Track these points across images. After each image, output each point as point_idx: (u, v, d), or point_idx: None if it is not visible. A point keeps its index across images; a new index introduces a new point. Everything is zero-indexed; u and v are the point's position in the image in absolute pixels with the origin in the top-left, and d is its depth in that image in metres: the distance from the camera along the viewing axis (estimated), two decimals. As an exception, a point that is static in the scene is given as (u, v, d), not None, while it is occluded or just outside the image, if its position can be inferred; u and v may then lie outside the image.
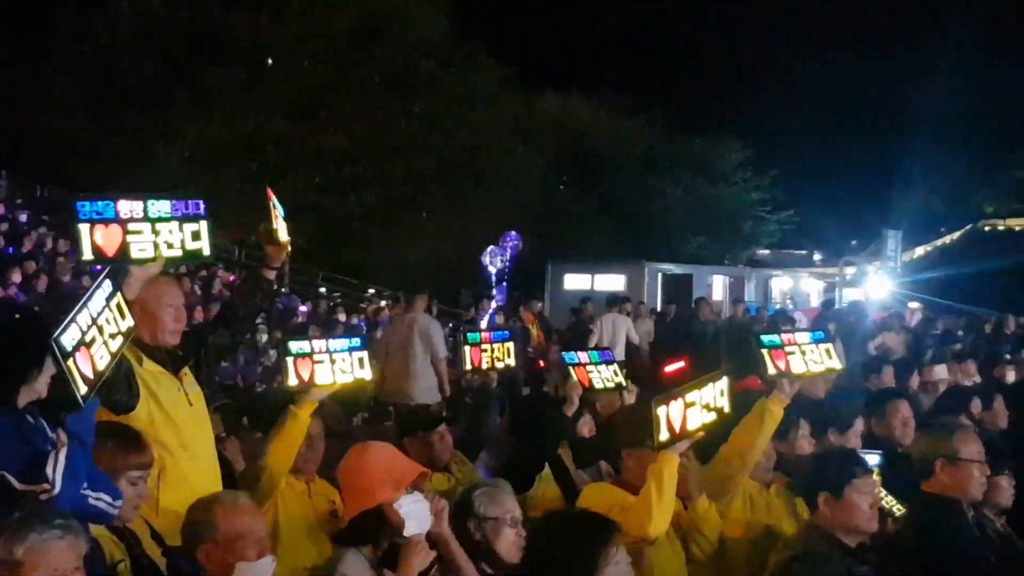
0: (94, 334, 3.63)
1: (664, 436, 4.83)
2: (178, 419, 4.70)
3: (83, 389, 3.49)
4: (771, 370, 5.37)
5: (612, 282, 27.76)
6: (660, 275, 29.01)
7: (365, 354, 5.22)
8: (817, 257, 50.20)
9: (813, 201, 46.77)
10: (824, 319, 19.13)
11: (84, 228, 4.20)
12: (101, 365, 3.62)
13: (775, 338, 5.53)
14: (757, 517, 5.39)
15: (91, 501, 3.71)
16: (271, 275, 5.51)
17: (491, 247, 25.67)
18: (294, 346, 5.03)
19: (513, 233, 27.04)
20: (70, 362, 3.45)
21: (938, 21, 53.15)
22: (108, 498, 3.80)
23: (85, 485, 3.66)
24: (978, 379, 11.06)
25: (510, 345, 6.77)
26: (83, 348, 3.54)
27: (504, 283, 25.61)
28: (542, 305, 20.90)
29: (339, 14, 32.85)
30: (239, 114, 30.96)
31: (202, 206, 4.51)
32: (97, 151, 30.43)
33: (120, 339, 3.78)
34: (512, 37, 38.91)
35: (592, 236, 39.50)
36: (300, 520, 5.16)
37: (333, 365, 5.06)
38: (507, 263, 25.86)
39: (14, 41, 31.00)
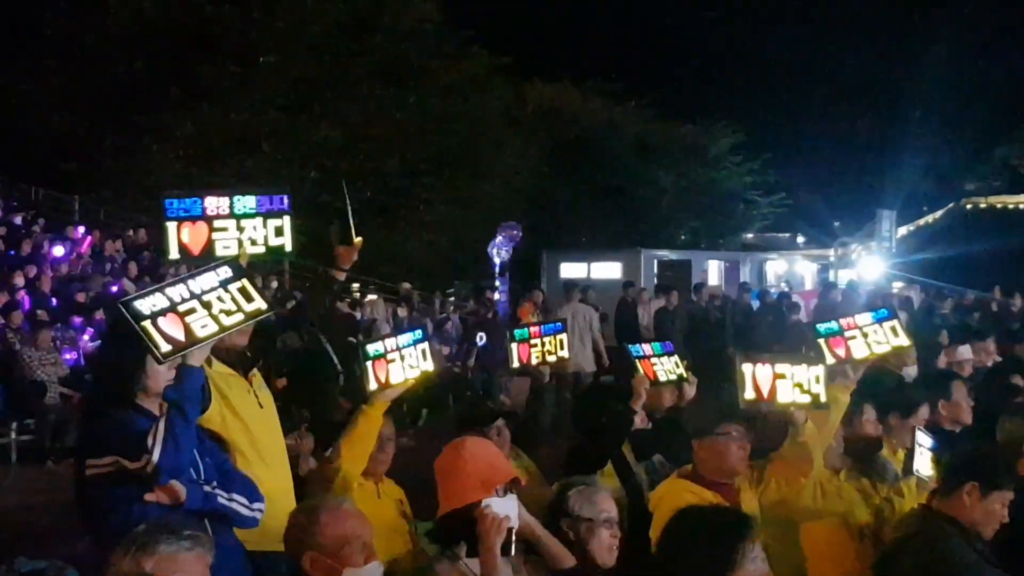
0: (193, 306, 3.76)
1: (749, 395, 4.96)
2: (248, 421, 4.68)
3: (165, 348, 3.62)
4: (830, 359, 5.33)
5: (608, 270, 27.85)
6: (656, 261, 29.06)
7: (427, 345, 5.20)
8: (800, 240, 50.26)
9: (805, 183, 46.85)
10: (828, 300, 19.22)
11: (171, 226, 4.31)
12: (201, 333, 3.73)
13: (832, 326, 5.49)
14: (829, 505, 5.36)
15: (222, 501, 3.71)
16: (341, 276, 5.37)
17: (498, 238, 25.51)
18: (371, 348, 4.98)
19: (514, 223, 26.96)
20: (146, 323, 3.62)
21: (928, 6, 53.26)
22: (243, 500, 3.80)
23: (215, 484, 3.68)
24: (997, 358, 11.07)
25: (563, 337, 6.66)
26: (172, 314, 3.68)
27: (507, 274, 25.45)
28: (543, 296, 20.79)
29: (330, 6, 32.72)
30: (233, 110, 30.86)
31: (286, 201, 4.57)
32: (91, 151, 30.31)
33: (239, 316, 3.87)
34: (502, 26, 38.76)
35: (585, 224, 39.53)
36: (372, 522, 5.13)
37: (403, 362, 5.04)
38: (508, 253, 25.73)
39: (4, 42, 30.81)
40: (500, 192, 35.49)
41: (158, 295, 3.68)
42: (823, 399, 5.03)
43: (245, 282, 3.92)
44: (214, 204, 4.41)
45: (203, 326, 3.71)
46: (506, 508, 3.98)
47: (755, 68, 51.95)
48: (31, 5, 31.28)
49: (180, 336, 3.64)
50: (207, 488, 3.69)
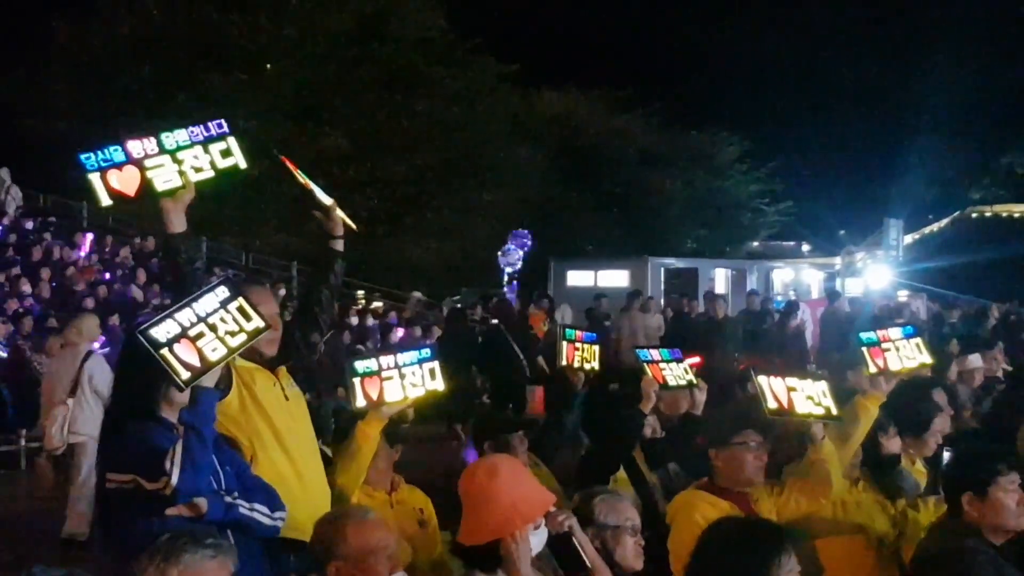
0: (202, 330, 3.71)
1: (772, 405, 4.98)
2: (271, 410, 4.60)
3: (185, 375, 3.60)
4: (872, 368, 5.40)
5: (616, 278, 27.82)
6: (663, 269, 29.05)
7: (436, 365, 5.01)
8: (806, 248, 50.26)
9: (811, 192, 46.91)
10: (834, 309, 19.20)
11: (95, 177, 4.14)
12: (213, 357, 3.70)
13: (872, 336, 5.52)
14: (848, 516, 5.32)
15: (243, 511, 3.71)
16: (339, 246, 5.15)
17: (507, 245, 25.56)
18: (360, 365, 4.87)
19: (524, 231, 27.01)
20: (164, 351, 3.58)
21: (933, 15, 53.27)
22: (264, 509, 3.80)
23: (236, 494, 3.67)
24: (1007, 366, 11.07)
25: (596, 348, 6.72)
26: (184, 340, 3.65)
27: (515, 282, 25.50)
28: (550, 303, 20.86)
29: (338, 15, 32.82)
30: (240, 118, 30.85)
31: (224, 124, 4.46)
32: (95, 158, 30.35)
33: (243, 336, 3.82)
34: (509, 34, 38.84)
35: (592, 232, 39.53)
36: (383, 532, 5.08)
37: (403, 380, 4.90)
38: (518, 261, 25.79)
39: (12, 48, 30.94)
40: (507, 200, 35.54)
41: (170, 321, 3.65)
42: (834, 411, 5.06)
43: (242, 301, 3.87)
44: (138, 147, 4.24)
45: (213, 349, 3.69)
46: (537, 537, 3.89)
47: (761, 77, 52.05)
48: (38, 12, 31.38)
49: (195, 361, 3.63)
50: (228, 499, 3.69)
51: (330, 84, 32.93)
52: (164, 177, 4.24)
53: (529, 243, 26.11)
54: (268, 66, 32.61)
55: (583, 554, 4.10)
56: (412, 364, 4.96)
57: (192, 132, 4.39)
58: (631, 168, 41.19)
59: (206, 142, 4.39)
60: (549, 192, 38.13)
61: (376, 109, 33.53)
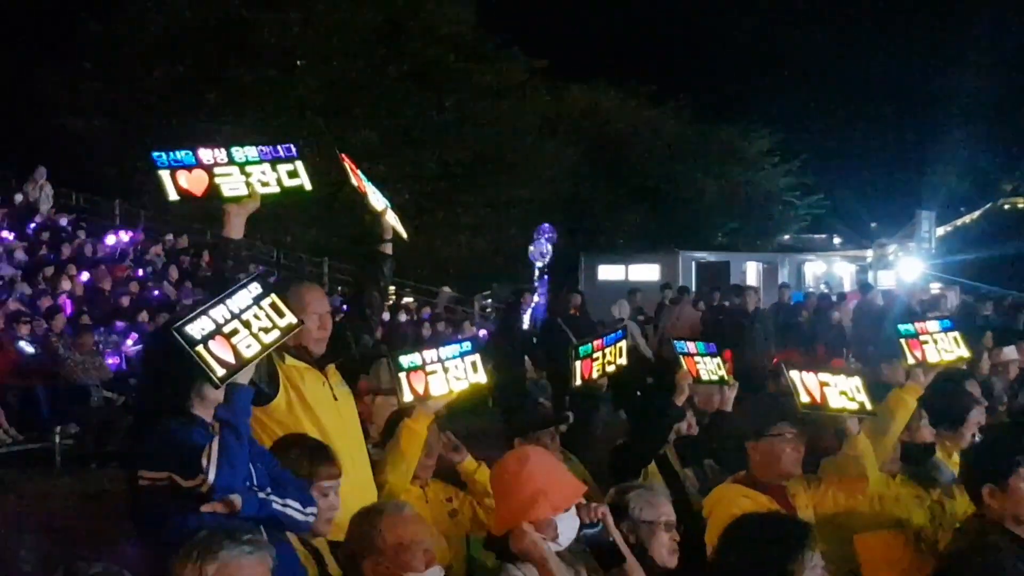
0: (236, 326, 3.71)
1: (805, 399, 5.04)
2: (320, 411, 4.65)
3: (220, 372, 3.61)
4: (910, 359, 5.41)
5: (647, 272, 27.79)
6: (694, 263, 29.00)
7: (478, 357, 5.07)
8: (837, 241, 50.04)
9: (842, 185, 46.64)
10: (867, 301, 19.09)
11: (164, 174, 4.20)
12: (248, 353, 3.70)
13: (910, 328, 5.53)
14: (887, 510, 5.29)
15: (277, 507, 3.72)
16: (388, 249, 5.30)
17: (538, 240, 25.53)
18: (405, 360, 4.87)
19: (546, 225, 26.96)
20: (199, 348, 3.58)
21: (966, 5, 52.95)
22: (297, 505, 3.80)
23: (269, 490, 3.67)
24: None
25: (623, 344, 6.55)
26: (219, 337, 3.65)
27: (546, 276, 25.44)
28: (581, 298, 20.88)
29: (367, 10, 32.84)
30: (271, 114, 30.95)
31: (294, 148, 4.55)
32: (127, 155, 30.47)
33: (276, 333, 3.82)
34: (539, 29, 38.86)
35: (623, 226, 39.38)
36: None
37: (447, 374, 4.93)
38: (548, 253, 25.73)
39: (44, 47, 31.11)
40: (537, 194, 35.42)
41: (204, 318, 3.66)
42: (868, 406, 5.08)
43: (274, 297, 3.89)
44: (209, 155, 4.33)
45: (248, 346, 3.70)
46: (568, 523, 3.92)
47: (792, 69, 51.88)
48: (68, 10, 31.55)
49: (230, 358, 3.64)
50: (262, 495, 3.69)
51: (359, 80, 32.93)
52: (231, 185, 4.33)
53: (552, 235, 26.05)
54: (298, 63, 32.68)
55: (618, 543, 4.11)
56: (455, 358, 5.00)
57: (262, 151, 4.48)
58: (661, 161, 40.89)
59: (274, 161, 4.48)
60: (579, 186, 37.95)
61: (405, 104, 33.52)
